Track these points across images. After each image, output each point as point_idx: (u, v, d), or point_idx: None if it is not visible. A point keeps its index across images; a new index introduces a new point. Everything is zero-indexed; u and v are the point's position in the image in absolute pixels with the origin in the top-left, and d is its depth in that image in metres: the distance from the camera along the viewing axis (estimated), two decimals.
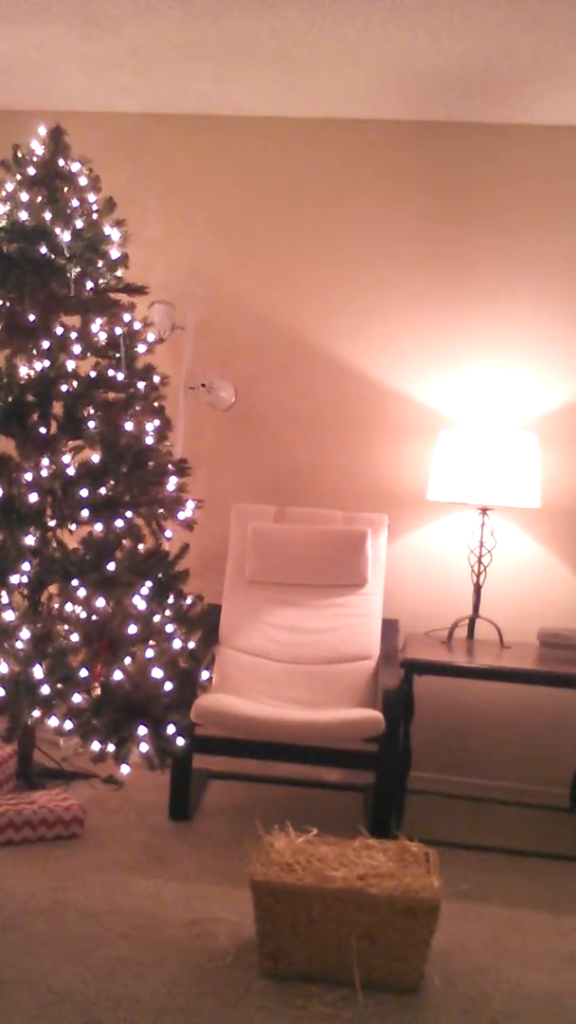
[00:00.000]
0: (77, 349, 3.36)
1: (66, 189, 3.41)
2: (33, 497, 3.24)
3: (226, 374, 4.04)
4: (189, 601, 3.42)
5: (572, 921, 2.79)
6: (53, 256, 3.34)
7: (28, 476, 3.25)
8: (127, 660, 3.24)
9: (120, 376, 3.39)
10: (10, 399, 3.33)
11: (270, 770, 3.79)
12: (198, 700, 3.20)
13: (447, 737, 3.92)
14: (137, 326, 3.46)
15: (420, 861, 2.47)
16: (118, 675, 3.20)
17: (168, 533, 3.51)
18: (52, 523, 3.32)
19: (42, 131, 3.47)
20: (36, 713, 3.17)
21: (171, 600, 3.37)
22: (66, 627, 3.25)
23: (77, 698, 3.16)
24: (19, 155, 3.43)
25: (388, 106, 3.86)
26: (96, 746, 3.15)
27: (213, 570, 3.92)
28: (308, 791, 3.69)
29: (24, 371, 3.36)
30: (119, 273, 3.47)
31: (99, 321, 3.40)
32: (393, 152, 3.99)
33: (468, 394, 3.95)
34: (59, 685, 3.16)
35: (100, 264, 3.42)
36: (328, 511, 3.86)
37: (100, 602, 3.24)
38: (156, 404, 3.47)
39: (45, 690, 3.14)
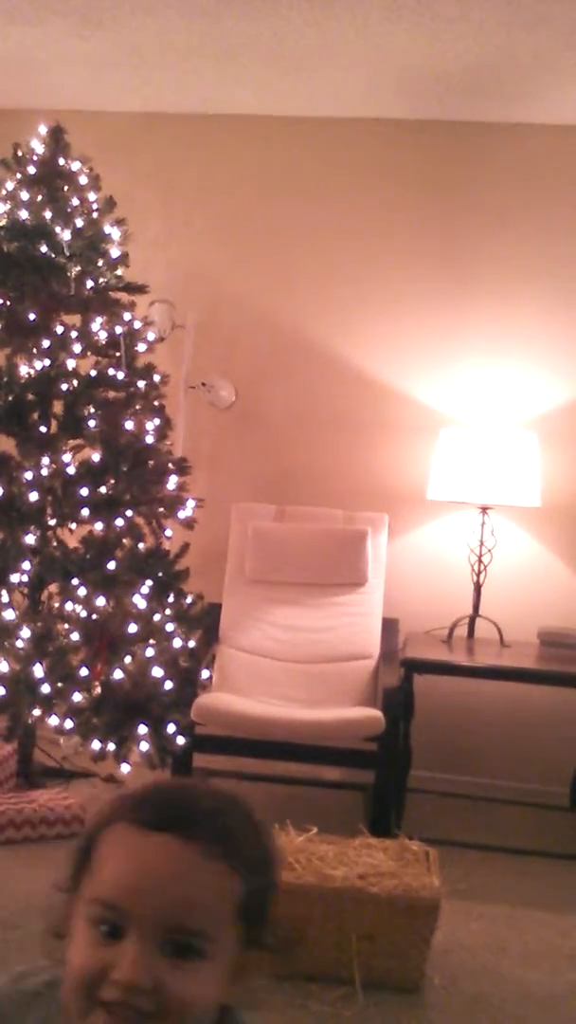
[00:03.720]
0: (77, 348, 3.36)
1: (66, 188, 3.41)
2: (33, 496, 3.24)
3: (226, 373, 4.04)
4: (189, 600, 3.42)
5: (572, 921, 2.79)
6: (53, 255, 3.34)
7: (28, 475, 3.25)
8: (127, 659, 3.24)
9: (120, 375, 3.38)
10: (10, 398, 3.33)
11: (270, 769, 3.78)
12: (198, 699, 3.20)
13: (447, 736, 3.92)
14: (137, 325, 3.46)
15: (420, 860, 2.47)
16: (118, 674, 3.20)
17: (168, 532, 3.50)
18: (52, 522, 3.32)
19: (42, 130, 3.47)
20: (36, 712, 3.17)
21: (171, 599, 3.37)
22: (66, 626, 3.25)
23: (77, 697, 3.16)
24: (19, 154, 3.43)
25: (388, 106, 3.86)
26: (96, 745, 3.15)
27: (213, 569, 3.91)
28: (308, 790, 3.69)
29: (24, 370, 3.36)
30: (119, 272, 3.47)
31: (99, 320, 3.39)
32: (393, 152, 3.99)
33: (468, 393, 3.95)
34: (59, 684, 3.16)
35: (100, 263, 3.41)
36: (328, 510, 3.86)
37: (100, 601, 3.24)
38: (156, 403, 3.47)
39: (45, 689, 3.14)
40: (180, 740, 3.17)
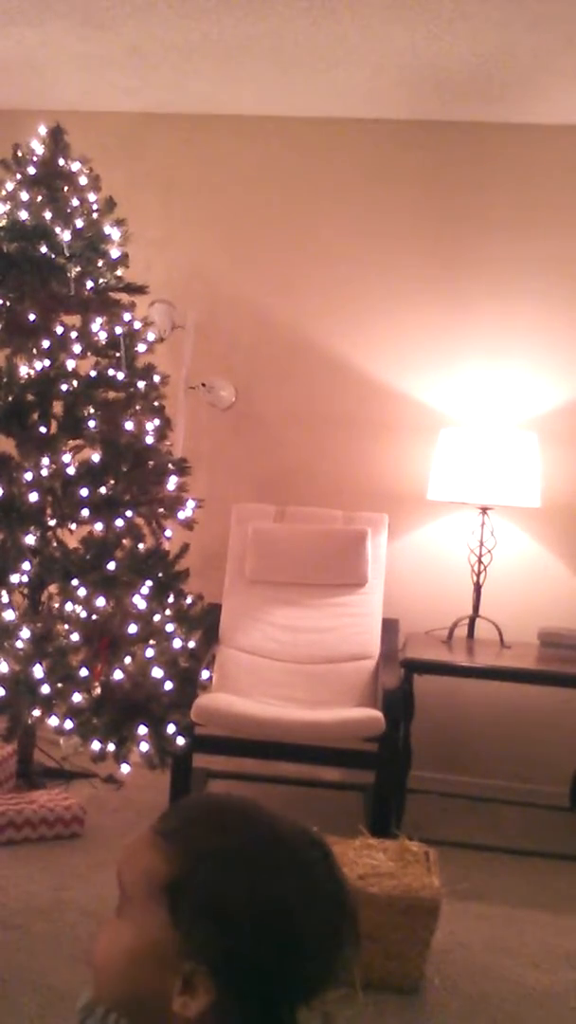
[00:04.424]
0: (77, 348, 3.35)
1: (66, 188, 3.40)
2: (33, 496, 3.24)
3: (226, 374, 4.04)
4: (189, 600, 3.42)
5: (572, 921, 2.79)
6: (53, 255, 3.34)
7: (28, 475, 3.25)
8: (127, 659, 3.24)
9: (120, 375, 3.38)
10: (10, 398, 3.33)
11: (270, 769, 3.79)
12: (198, 699, 3.20)
13: (447, 737, 3.92)
14: (137, 325, 3.45)
15: (420, 860, 2.47)
16: (118, 674, 3.20)
17: (168, 532, 3.50)
18: (52, 522, 3.32)
19: (42, 131, 3.47)
20: (36, 712, 3.17)
21: (171, 599, 3.37)
22: (66, 626, 3.24)
23: (77, 697, 3.16)
24: (19, 154, 3.42)
25: (388, 106, 3.86)
26: (96, 745, 3.15)
27: (213, 569, 3.92)
28: (308, 790, 3.69)
29: (24, 370, 3.35)
30: (119, 272, 3.47)
31: (99, 320, 3.39)
32: (393, 152, 3.99)
33: (468, 393, 3.95)
34: (59, 684, 3.16)
35: (100, 263, 3.41)
36: (328, 511, 3.86)
37: (100, 601, 3.24)
38: (156, 403, 3.46)
39: (45, 689, 3.14)
40: (180, 740, 3.17)
